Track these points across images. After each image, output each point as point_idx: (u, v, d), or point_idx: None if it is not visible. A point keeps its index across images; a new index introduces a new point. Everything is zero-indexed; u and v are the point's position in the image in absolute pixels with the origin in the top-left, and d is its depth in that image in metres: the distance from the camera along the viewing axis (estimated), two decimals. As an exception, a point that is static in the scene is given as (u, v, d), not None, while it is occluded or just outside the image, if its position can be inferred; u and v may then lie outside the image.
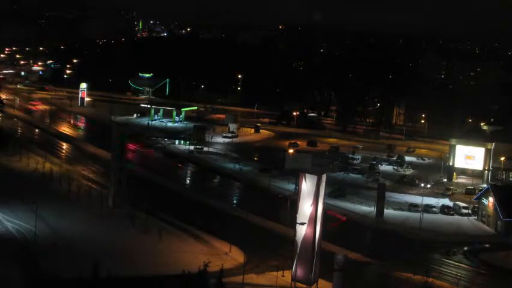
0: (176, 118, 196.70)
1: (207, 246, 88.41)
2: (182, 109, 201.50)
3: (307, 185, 74.55)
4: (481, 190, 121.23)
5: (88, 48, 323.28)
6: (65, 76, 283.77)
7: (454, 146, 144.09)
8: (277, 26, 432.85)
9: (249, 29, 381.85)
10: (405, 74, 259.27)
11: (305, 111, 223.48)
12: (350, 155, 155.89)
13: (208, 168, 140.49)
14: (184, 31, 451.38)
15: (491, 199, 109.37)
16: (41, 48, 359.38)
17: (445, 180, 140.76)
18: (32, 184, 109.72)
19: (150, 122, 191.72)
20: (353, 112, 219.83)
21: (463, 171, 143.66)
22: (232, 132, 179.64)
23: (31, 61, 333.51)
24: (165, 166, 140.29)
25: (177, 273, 69.80)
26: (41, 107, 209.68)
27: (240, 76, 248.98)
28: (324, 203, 77.34)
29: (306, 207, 74.57)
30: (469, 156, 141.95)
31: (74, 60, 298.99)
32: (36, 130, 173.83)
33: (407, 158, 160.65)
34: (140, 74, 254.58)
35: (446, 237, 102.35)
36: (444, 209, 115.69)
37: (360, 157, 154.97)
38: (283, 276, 77.78)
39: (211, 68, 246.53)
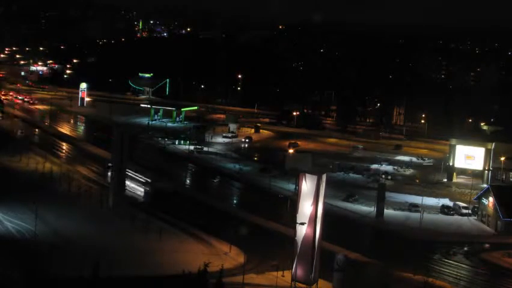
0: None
1: (207, 246, 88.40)
2: (182, 109, 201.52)
3: (307, 185, 74.53)
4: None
5: (88, 48, 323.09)
6: (65, 76, 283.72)
7: (454, 146, 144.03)
8: (277, 26, 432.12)
9: (249, 29, 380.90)
10: (405, 73, 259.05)
11: (305, 111, 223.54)
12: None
13: (208, 168, 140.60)
14: (184, 31, 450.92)
15: (491, 199, 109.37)
16: (41, 48, 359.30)
17: (445, 180, 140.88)
18: (32, 184, 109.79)
19: (150, 122, 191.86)
20: (353, 112, 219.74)
21: (463, 171, 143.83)
22: (232, 132, 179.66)
23: (31, 61, 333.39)
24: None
25: (177, 273, 69.83)
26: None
27: (240, 76, 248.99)
28: (324, 203, 77.35)
29: (306, 207, 74.54)
30: (469, 156, 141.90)
31: (74, 60, 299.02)
32: (36, 130, 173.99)
33: (406, 158, 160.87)
34: (140, 74, 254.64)
35: (446, 237, 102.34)
36: (444, 209, 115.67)
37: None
38: (283, 276, 77.75)
39: (211, 68, 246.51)
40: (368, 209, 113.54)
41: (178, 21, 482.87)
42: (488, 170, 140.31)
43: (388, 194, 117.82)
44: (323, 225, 76.62)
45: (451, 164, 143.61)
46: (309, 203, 74.33)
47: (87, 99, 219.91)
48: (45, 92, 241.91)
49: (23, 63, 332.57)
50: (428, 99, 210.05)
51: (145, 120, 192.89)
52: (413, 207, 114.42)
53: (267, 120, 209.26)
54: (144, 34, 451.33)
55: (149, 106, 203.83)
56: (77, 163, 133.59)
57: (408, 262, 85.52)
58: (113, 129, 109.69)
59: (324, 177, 76.02)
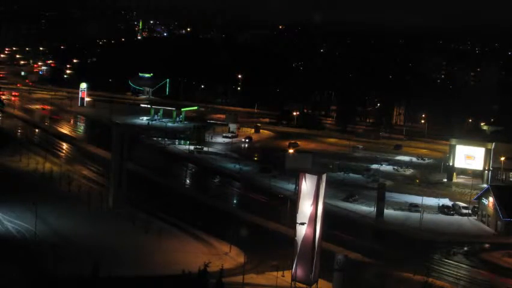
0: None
1: (207, 246, 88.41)
2: (182, 109, 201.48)
3: (307, 185, 74.54)
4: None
5: (88, 48, 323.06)
6: (65, 76, 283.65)
7: (454, 146, 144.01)
8: (277, 26, 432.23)
9: (249, 29, 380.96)
10: (405, 74, 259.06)
11: (305, 111, 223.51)
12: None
13: (208, 168, 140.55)
14: (184, 31, 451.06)
15: (491, 199, 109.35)
16: (41, 48, 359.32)
17: (445, 180, 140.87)
18: (32, 184, 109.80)
19: (150, 122, 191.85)
20: (353, 112, 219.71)
21: (463, 171, 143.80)
22: (232, 132, 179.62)
23: (31, 61, 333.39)
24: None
25: (177, 273, 69.86)
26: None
27: (239, 76, 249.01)
28: (324, 203, 77.32)
29: (306, 207, 74.55)
30: (469, 156, 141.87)
31: (74, 60, 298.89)
32: (36, 130, 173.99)
33: (406, 158, 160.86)
34: (140, 74, 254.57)
35: (446, 237, 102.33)
36: (444, 209, 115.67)
37: None
38: (283, 276, 77.79)
39: (211, 68, 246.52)
40: (368, 209, 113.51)
41: (178, 21, 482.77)
42: (488, 170, 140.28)
43: (388, 194, 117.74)
44: (323, 225, 76.65)
45: (450, 164, 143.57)
46: (309, 203, 74.35)
47: (87, 99, 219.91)
48: (46, 92, 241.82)
49: (23, 63, 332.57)
50: (428, 99, 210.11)
51: (145, 120, 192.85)
52: (413, 207, 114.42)
53: (267, 120, 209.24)
54: (144, 34, 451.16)
55: (149, 106, 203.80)
56: (77, 163, 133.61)
57: (408, 262, 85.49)
58: (113, 129, 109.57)
59: (324, 177, 76.05)
